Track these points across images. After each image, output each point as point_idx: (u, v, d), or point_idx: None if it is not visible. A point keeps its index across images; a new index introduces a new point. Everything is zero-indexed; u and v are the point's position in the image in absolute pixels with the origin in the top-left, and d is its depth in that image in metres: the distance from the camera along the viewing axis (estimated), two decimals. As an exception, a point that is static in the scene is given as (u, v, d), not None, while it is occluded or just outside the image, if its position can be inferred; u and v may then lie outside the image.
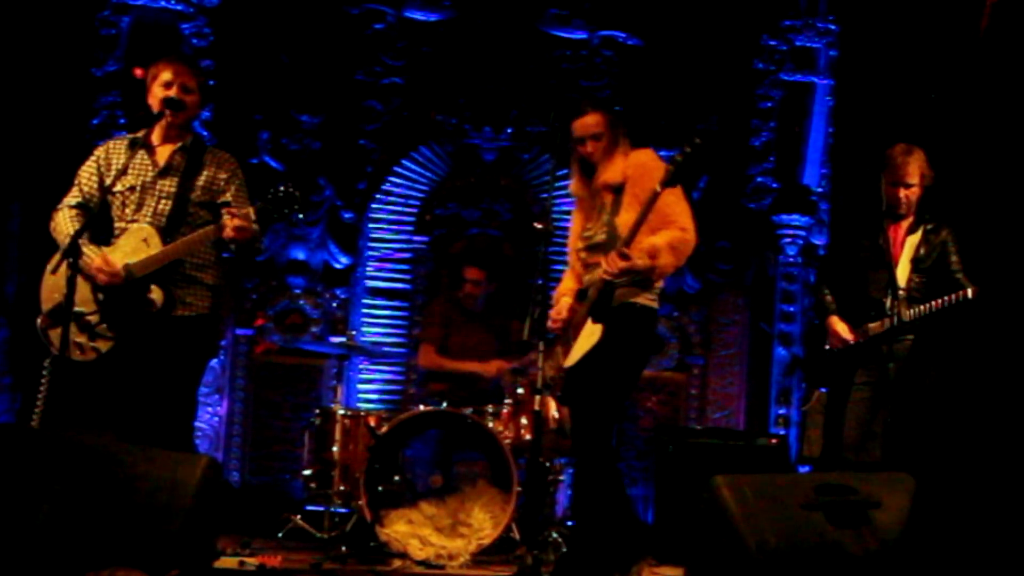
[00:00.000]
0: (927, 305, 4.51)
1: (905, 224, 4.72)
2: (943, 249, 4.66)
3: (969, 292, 4.41)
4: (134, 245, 4.00)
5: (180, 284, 4.03)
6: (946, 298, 4.45)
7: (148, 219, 4.03)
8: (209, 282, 4.10)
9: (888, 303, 4.52)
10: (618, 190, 4.05)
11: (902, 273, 4.63)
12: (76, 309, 3.94)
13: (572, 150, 4.20)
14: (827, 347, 4.84)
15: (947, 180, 4.83)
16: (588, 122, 4.13)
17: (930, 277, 4.63)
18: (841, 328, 4.74)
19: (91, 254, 3.98)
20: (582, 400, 4.02)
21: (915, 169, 4.67)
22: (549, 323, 4.15)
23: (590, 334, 3.97)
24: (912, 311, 4.53)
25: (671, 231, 3.94)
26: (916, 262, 4.66)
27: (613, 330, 3.94)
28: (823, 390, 5.49)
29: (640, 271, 3.90)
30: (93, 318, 3.99)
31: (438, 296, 6.49)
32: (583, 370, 3.99)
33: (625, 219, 3.95)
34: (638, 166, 4.04)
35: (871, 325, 4.64)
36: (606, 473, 3.97)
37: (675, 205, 3.99)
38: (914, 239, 4.69)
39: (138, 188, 4.06)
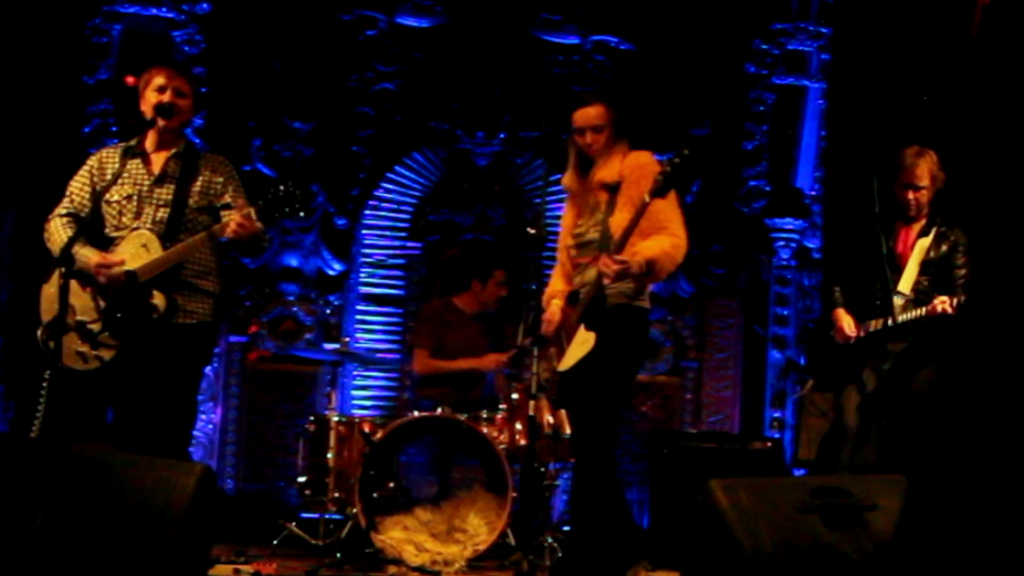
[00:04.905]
0: (919, 310, 4.50)
1: (917, 227, 4.71)
2: (951, 253, 4.62)
3: (949, 308, 4.38)
4: (134, 251, 3.99)
5: (182, 292, 4.02)
6: (928, 308, 4.45)
7: (147, 226, 4.02)
8: (210, 289, 4.10)
9: (890, 304, 4.52)
10: (613, 189, 4.01)
11: (909, 275, 4.62)
12: (78, 318, 3.95)
13: (571, 141, 4.14)
14: (831, 339, 4.80)
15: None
16: (590, 113, 4.07)
17: (936, 280, 4.62)
18: (846, 322, 4.71)
19: (88, 254, 3.97)
20: (581, 406, 4.01)
21: (925, 171, 4.65)
22: (542, 328, 4.15)
23: (584, 340, 3.94)
24: (907, 314, 4.52)
25: (664, 238, 3.91)
26: (925, 265, 4.64)
27: (607, 335, 3.92)
28: (810, 379, 5.51)
29: (635, 274, 3.88)
30: (95, 326, 3.98)
31: (428, 300, 6.46)
32: (579, 376, 3.97)
33: (619, 220, 3.92)
34: (636, 167, 3.99)
35: (871, 322, 4.64)
36: (606, 478, 3.96)
37: (668, 212, 3.95)
38: (925, 242, 4.66)
39: (135, 197, 4.05)
